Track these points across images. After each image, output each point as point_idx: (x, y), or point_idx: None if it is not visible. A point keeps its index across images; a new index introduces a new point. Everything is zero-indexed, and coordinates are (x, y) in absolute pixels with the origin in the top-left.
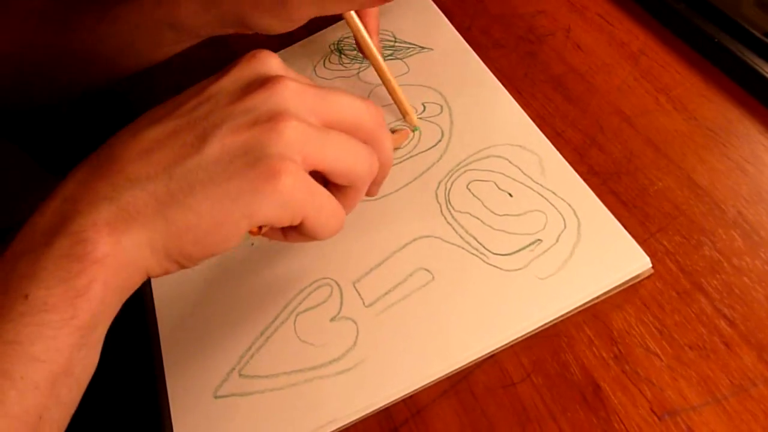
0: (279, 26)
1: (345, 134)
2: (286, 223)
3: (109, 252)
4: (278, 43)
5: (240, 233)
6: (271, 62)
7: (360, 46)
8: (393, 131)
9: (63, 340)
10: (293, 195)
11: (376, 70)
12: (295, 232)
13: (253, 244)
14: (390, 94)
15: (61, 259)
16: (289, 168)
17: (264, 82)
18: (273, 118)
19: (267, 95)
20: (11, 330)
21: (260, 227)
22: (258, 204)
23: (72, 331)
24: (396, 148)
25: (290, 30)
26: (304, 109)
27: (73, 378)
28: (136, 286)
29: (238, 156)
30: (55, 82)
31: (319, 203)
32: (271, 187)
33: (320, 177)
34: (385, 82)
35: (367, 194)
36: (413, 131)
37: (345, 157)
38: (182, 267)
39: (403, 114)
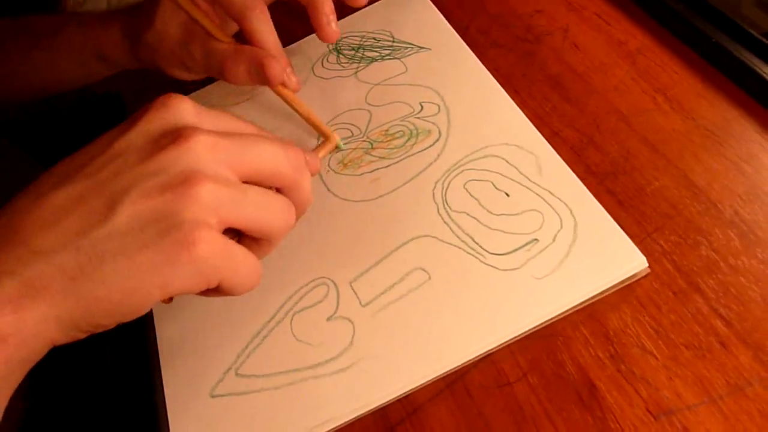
0: (187, 76)
1: (262, 189)
2: (202, 289)
3: (12, 332)
4: None
5: (151, 302)
6: (182, 110)
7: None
8: (320, 143)
9: None
10: (209, 262)
11: (287, 101)
12: (210, 291)
13: None
14: (306, 120)
15: None
16: (204, 236)
17: (175, 137)
18: (185, 180)
19: (177, 153)
20: None
21: (171, 298)
22: (172, 275)
23: None
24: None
25: (198, 78)
26: (218, 164)
27: None
28: (41, 356)
29: (149, 224)
30: None
31: (236, 265)
32: (186, 257)
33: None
34: (299, 111)
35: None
36: (337, 148)
37: (262, 215)
38: (90, 334)
39: (326, 137)
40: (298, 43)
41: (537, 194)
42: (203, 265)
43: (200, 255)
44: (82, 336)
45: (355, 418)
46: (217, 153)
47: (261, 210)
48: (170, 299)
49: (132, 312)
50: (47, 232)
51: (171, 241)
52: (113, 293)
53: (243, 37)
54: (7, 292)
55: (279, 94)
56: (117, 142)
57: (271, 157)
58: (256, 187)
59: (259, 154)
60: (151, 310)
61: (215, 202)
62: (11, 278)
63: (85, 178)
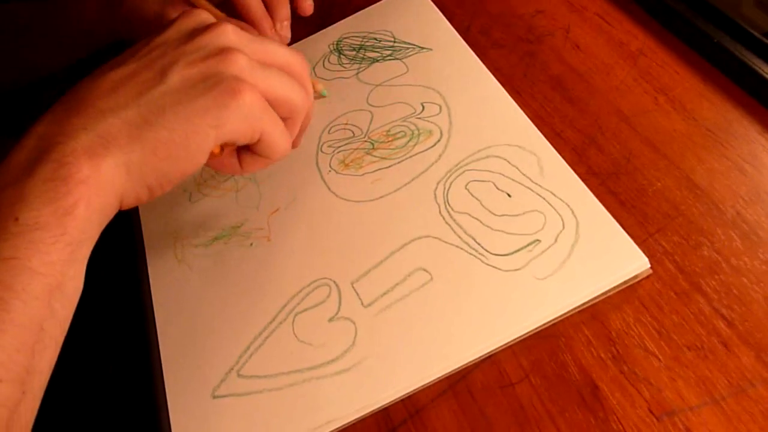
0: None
1: (281, 70)
2: (248, 139)
3: (90, 174)
4: None
5: (209, 145)
6: (204, 15)
7: None
8: None
9: (56, 255)
10: (253, 109)
11: None
12: (249, 155)
13: (252, 245)
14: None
15: (46, 183)
16: (247, 87)
17: (206, 27)
18: (223, 51)
19: (213, 35)
20: (9, 247)
21: (221, 148)
22: (223, 116)
23: (63, 247)
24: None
25: None
26: (245, 47)
27: (65, 294)
28: (113, 213)
29: (198, 81)
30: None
31: (274, 119)
32: (234, 103)
33: None
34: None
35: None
36: None
37: (285, 88)
38: (152, 195)
39: None
40: (298, 43)
41: (539, 195)
42: (248, 111)
43: (246, 101)
44: (145, 195)
45: (357, 419)
46: (242, 39)
47: (284, 84)
48: (221, 150)
49: (192, 156)
50: (111, 96)
51: (219, 90)
52: (175, 135)
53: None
54: (83, 144)
55: None
56: (157, 38)
57: (282, 52)
58: (277, 68)
59: (273, 47)
60: (153, 310)
61: (250, 67)
62: (85, 132)
63: (135, 61)
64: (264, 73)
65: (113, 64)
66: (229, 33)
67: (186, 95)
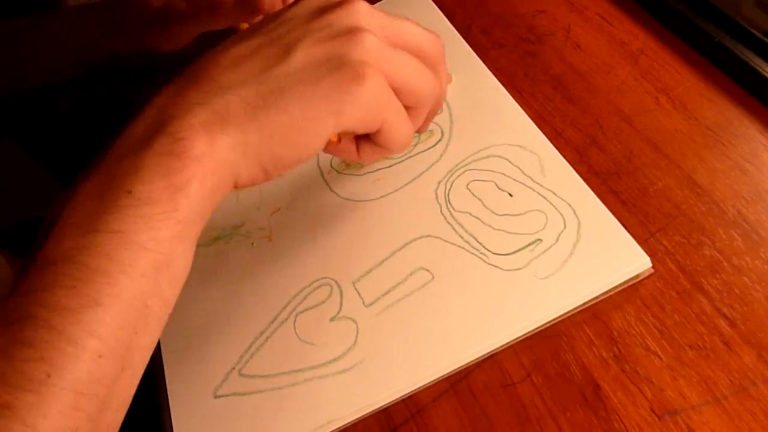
0: (167, 39)
1: (412, 56)
2: (368, 128)
3: (205, 151)
4: None
5: (327, 132)
6: None
7: None
8: None
9: (165, 232)
10: (376, 97)
11: None
12: (368, 144)
13: (253, 244)
14: None
15: (161, 157)
16: (372, 73)
17: (338, 3)
18: (351, 31)
19: (343, 14)
20: (117, 221)
21: (339, 137)
22: (344, 103)
23: (173, 224)
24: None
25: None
26: (376, 27)
27: (173, 272)
28: (226, 193)
29: (322, 63)
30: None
31: (398, 109)
32: (357, 88)
33: None
34: None
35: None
36: None
37: (414, 75)
38: (267, 177)
39: None
40: None
41: (540, 194)
42: (371, 98)
43: (369, 88)
44: (260, 177)
45: (358, 418)
46: (374, 18)
47: (413, 72)
48: (339, 139)
49: (309, 141)
50: (231, 72)
51: (342, 75)
52: (293, 119)
53: None
54: (200, 119)
55: None
56: (285, 13)
57: (417, 33)
58: (407, 53)
59: (407, 29)
60: None
61: (377, 51)
62: (203, 108)
63: (261, 36)
64: (393, 58)
65: (240, 36)
66: (361, 10)
67: (307, 77)
